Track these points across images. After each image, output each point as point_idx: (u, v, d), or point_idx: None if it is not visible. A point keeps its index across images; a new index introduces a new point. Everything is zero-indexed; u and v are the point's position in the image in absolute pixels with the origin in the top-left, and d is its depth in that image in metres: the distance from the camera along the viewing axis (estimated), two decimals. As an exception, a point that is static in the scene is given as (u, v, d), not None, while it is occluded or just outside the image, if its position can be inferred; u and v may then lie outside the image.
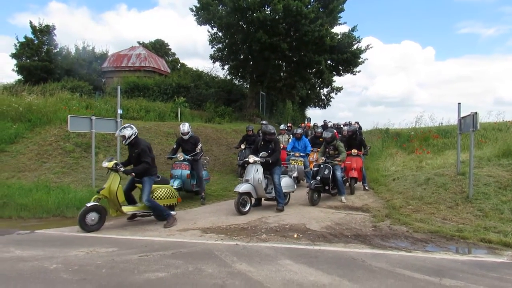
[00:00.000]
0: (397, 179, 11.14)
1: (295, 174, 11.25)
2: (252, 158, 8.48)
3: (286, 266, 4.97)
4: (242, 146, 13.30)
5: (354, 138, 11.52)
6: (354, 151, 11.01)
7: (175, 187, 8.95)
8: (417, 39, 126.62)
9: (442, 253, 5.77)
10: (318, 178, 9.37)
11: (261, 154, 8.63)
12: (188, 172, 9.34)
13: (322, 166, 9.53)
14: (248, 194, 8.33)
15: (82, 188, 9.49)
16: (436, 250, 5.94)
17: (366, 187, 11.23)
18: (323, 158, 9.64)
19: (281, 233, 6.73)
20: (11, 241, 6.26)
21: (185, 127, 9.58)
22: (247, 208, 8.29)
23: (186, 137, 9.52)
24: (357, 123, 22.05)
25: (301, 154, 11.81)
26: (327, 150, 9.97)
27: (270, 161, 8.48)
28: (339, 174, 9.47)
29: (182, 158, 9.39)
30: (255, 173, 8.39)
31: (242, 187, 8.21)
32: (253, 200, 8.68)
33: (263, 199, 9.03)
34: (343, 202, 9.34)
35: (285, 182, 8.91)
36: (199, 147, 9.59)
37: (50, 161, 11.18)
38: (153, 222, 7.59)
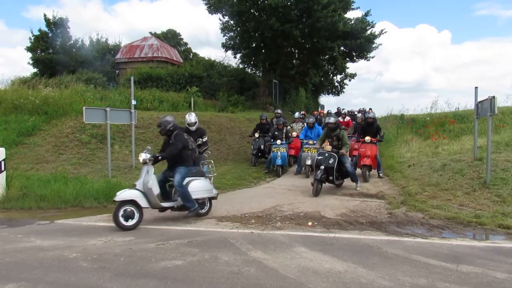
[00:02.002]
0: (412, 165, 11.02)
1: (308, 162, 11.15)
2: (141, 157, 6.60)
3: (301, 254, 4.99)
4: (256, 135, 13.15)
5: (371, 125, 11.17)
6: (367, 138, 10.68)
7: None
8: (433, 22, 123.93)
9: (459, 239, 5.72)
10: (322, 167, 8.69)
11: (144, 149, 7.00)
12: None
13: (327, 154, 8.86)
14: (132, 202, 6.32)
15: (99, 179, 9.63)
16: (452, 236, 5.89)
17: (381, 175, 10.90)
18: (330, 146, 8.97)
19: (296, 221, 6.74)
20: (31, 231, 6.41)
21: (191, 117, 8.82)
22: (133, 222, 6.32)
23: (193, 128, 8.73)
24: (371, 109, 21.83)
25: (315, 142, 11.47)
26: (329, 139, 9.27)
27: (160, 158, 6.77)
28: (348, 164, 8.98)
29: None
30: (146, 175, 6.51)
31: (122, 195, 6.28)
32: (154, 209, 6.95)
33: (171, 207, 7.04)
34: (357, 190, 9.09)
35: (197, 185, 6.96)
36: (204, 139, 8.79)
37: (67, 152, 11.37)
38: (168, 212, 7.67)
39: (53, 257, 4.93)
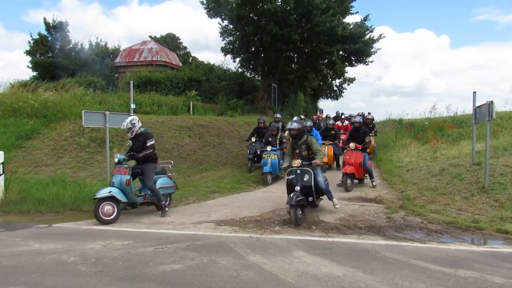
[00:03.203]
0: (411, 170, 11.03)
1: None
2: None
3: (299, 258, 4.99)
4: (253, 139, 12.81)
5: (358, 130, 10.36)
6: (352, 144, 9.89)
7: (100, 195, 6.88)
8: (431, 27, 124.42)
9: (457, 244, 5.73)
10: (298, 188, 6.93)
11: None
12: (128, 177, 7.16)
13: (299, 171, 7.09)
14: None
15: (97, 182, 9.63)
16: (451, 241, 5.90)
17: (374, 183, 10.09)
18: (299, 161, 7.16)
19: (294, 227, 6.73)
20: (30, 234, 6.41)
21: (125, 122, 7.44)
22: None
23: (130, 134, 7.54)
24: (369, 113, 21.80)
25: None
26: (297, 151, 7.47)
27: None
28: (321, 179, 7.28)
29: (116, 159, 7.34)
30: None
31: None
32: None
33: None
34: (336, 208, 7.58)
35: None
36: (149, 143, 7.44)
37: (66, 156, 11.37)
38: (167, 216, 7.67)
39: (51, 261, 4.92)
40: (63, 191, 8.65)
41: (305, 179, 7.01)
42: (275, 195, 9.35)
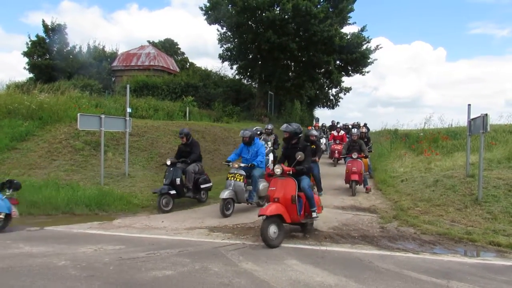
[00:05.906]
0: (405, 180, 11.05)
1: (225, 195, 7.85)
2: None
3: (292, 266, 4.97)
4: (168, 162, 8.75)
5: (295, 146, 6.71)
6: (277, 169, 6.27)
7: None
8: (428, 39, 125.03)
9: (450, 255, 5.73)
10: None
11: None
12: None
13: None
14: None
15: (91, 186, 9.57)
16: (444, 252, 5.90)
17: (316, 217, 6.66)
18: None
19: (288, 233, 6.71)
20: (21, 237, 6.35)
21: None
22: None
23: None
24: (365, 125, 21.76)
25: (241, 165, 8.38)
26: None
27: None
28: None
29: None
30: None
31: None
32: None
33: None
34: None
35: None
36: None
37: (60, 158, 11.28)
38: (160, 221, 7.63)
39: (41, 264, 4.87)
40: (56, 194, 8.59)
41: None
42: (269, 203, 9.30)
